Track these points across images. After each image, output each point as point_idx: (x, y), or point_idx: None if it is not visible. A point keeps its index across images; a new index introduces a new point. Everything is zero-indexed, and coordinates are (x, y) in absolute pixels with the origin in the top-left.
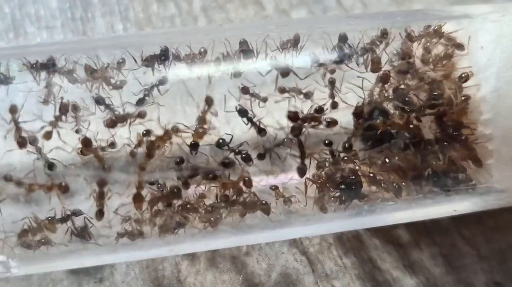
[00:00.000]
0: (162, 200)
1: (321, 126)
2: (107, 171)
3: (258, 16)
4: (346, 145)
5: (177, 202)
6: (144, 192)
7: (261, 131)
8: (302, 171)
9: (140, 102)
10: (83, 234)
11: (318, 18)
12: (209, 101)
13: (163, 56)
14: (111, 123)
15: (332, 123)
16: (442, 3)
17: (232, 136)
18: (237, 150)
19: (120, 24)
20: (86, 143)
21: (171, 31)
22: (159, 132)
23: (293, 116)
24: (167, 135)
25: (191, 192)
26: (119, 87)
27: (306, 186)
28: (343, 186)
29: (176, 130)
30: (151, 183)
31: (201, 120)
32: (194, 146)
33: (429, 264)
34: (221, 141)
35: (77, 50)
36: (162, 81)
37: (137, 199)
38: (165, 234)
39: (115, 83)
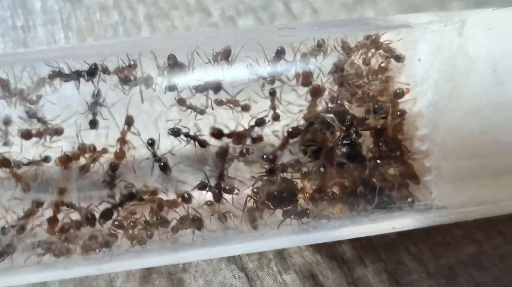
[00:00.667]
0: (75, 226)
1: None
2: (25, 191)
3: (204, 24)
4: (270, 157)
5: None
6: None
7: (202, 144)
8: (217, 195)
9: (93, 124)
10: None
11: (249, 29)
12: (129, 121)
13: (89, 73)
14: (26, 134)
15: (258, 139)
16: (394, 11)
17: (205, 172)
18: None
19: (62, 33)
20: (4, 163)
21: (100, 43)
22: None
23: (216, 133)
24: (82, 152)
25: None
26: (34, 102)
27: (246, 203)
28: (278, 202)
29: (93, 149)
30: (68, 205)
31: (120, 141)
32: (112, 167)
33: (374, 281)
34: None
35: (13, 62)
36: (96, 95)
37: (51, 222)
38: (88, 253)
39: (31, 99)
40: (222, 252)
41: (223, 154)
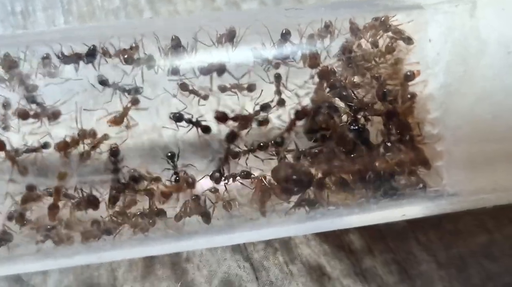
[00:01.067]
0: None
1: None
2: (23, 174)
3: (208, 8)
4: (278, 140)
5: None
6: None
7: (205, 129)
8: (216, 178)
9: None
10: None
11: (254, 11)
12: (134, 101)
13: (88, 55)
14: (23, 114)
15: (264, 122)
16: None
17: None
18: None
19: (62, 18)
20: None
21: (100, 25)
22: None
23: (221, 116)
24: (82, 138)
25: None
26: (32, 90)
27: (257, 188)
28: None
29: (93, 134)
30: (66, 195)
31: (122, 114)
32: (113, 153)
33: (382, 272)
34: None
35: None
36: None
37: (51, 208)
38: (88, 241)
39: (28, 86)
40: (227, 240)
41: (232, 138)
